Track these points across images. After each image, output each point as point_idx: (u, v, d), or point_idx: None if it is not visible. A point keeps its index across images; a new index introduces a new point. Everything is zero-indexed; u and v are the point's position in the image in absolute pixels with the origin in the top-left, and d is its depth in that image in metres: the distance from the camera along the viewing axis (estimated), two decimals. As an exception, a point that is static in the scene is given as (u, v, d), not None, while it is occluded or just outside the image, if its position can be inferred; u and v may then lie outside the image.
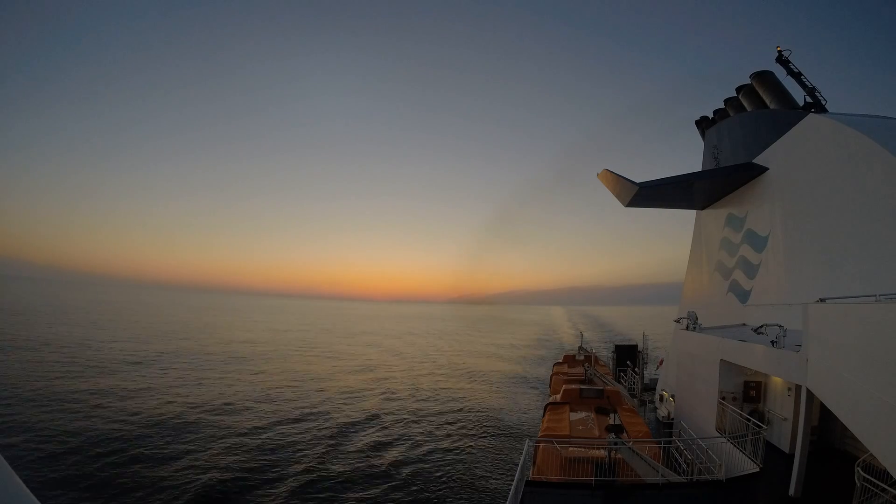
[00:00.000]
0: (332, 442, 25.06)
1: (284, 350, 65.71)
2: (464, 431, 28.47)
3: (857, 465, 9.19)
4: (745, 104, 25.56)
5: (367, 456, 23.30)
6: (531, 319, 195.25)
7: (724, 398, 15.84)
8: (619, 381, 29.58)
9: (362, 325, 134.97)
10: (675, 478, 12.55)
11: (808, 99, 20.91)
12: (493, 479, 20.97)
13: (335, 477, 20.44)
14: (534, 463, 13.44)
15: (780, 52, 22.49)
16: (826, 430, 14.24)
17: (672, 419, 20.43)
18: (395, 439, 26.31)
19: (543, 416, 19.52)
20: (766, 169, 21.18)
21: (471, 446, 25.53)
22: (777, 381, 15.20)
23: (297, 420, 29.06)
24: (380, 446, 24.92)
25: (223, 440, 24.21)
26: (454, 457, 23.72)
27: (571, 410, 18.67)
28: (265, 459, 21.94)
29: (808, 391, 10.79)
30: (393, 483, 20.18)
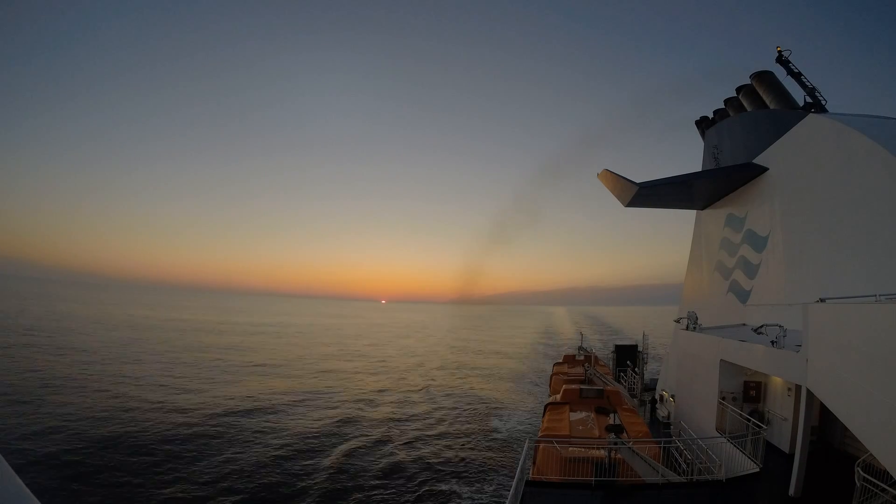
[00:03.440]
0: (329, 440, 25.08)
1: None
2: (462, 431, 28.47)
3: (857, 465, 9.18)
4: (745, 104, 25.53)
5: (365, 455, 23.31)
6: (533, 320, 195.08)
7: (724, 398, 15.83)
8: (619, 381, 29.55)
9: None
10: (675, 478, 12.54)
11: (809, 99, 20.89)
12: (493, 478, 20.97)
13: (332, 476, 20.44)
14: (534, 463, 13.41)
15: (780, 52, 22.47)
16: (826, 430, 14.23)
17: (672, 419, 20.42)
18: (393, 438, 26.32)
19: (543, 415, 19.49)
20: (766, 169, 21.15)
21: (470, 446, 25.54)
22: (777, 381, 15.19)
23: (288, 418, 29.09)
24: (377, 445, 24.94)
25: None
26: (453, 456, 23.72)
27: (571, 410, 18.63)
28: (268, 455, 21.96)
29: (808, 391, 10.78)
30: (391, 482, 20.18)
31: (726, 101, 27.98)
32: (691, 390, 18.95)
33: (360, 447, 24.47)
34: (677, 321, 23.85)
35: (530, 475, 12.49)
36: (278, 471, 20.60)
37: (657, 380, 30.20)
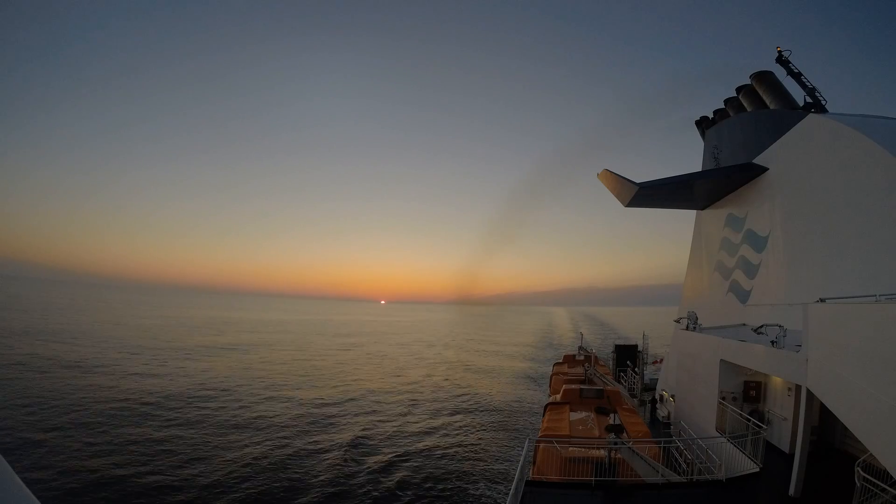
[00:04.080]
0: (327, 439, 25.06)
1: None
2: (463, 431, 28.45)
3: (857, 465, 9.17)
4: (745, 104, 25.54)
5: (364, 455, 23.28)
6: (538, 319, 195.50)
7: (724, 398, 15.83)
8: (619, 381, 29.54)
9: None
10: (675, 478, 12.53)
11: (808, 99, 20.91)
12: (493, 478, 20.96)
13: (330, 475, 20.42)
14: (534, 463, 13.40)
15: (780, 52, 22.48)
16: (826, 430, 14.21)
17: (672, 419, 20.42)
18: (394, 438, 26.29)
19: (543, 415, 19.48)
20: (766, 169, 21.15)
21: (470, 446, 25.51)
22: (777, 381, 15.19)
23: (285, 417, 29.09)
24: (377, 445, 24.91)
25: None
26: (454, 456, 23.69)
27: (571, 410, 18.63)
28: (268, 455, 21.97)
29: (808, 391, 10.78)
30: (391, 483, 20.15)
31: (726, 101, 27.99)
32: (691, 390, 18.95)
33: (347, 443, 24.46)
34: (677, 321, 23.85)
35: (530, 475, 12.49)
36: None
37: (657, 380, 30.21)
